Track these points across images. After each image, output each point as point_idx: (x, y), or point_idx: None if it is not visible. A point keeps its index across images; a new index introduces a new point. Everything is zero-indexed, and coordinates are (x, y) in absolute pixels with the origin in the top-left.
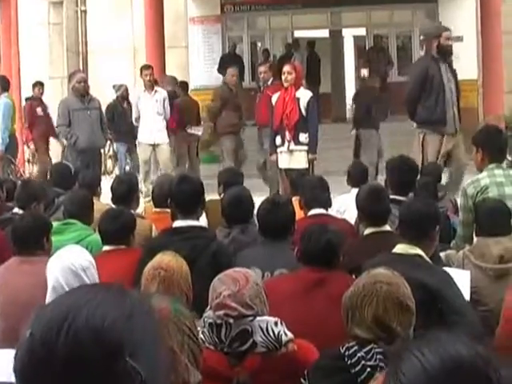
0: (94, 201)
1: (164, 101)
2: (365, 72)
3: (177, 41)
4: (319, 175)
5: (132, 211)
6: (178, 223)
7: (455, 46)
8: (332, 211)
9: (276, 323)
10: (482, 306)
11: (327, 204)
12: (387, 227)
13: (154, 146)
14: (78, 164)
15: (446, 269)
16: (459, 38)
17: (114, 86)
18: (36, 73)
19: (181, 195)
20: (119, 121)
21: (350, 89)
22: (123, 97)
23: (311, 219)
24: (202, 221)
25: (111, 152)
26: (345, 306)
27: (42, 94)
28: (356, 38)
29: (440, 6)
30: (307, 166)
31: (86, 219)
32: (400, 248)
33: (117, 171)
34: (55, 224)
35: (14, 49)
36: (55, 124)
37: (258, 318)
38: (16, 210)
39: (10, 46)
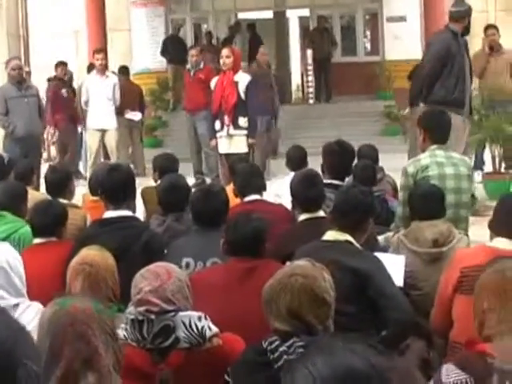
0: (30, 191)
1: (114, 86)
2: (309, 53)
3: (119, 24)
4: (251, 162)
5: (66, 201)
6: (109, 214)
7: (398, 26)
8: (270, 195)
9: (200, 318)
10: (417, 291)
11: (261, 189)
12: (321, 213)
13: (103, 132)
14: (16, 152)
15: (381, 254)
16: (402, 18)
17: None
18: None
19: (110, 185)
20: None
21: (296, 71)
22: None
23: (245, 205)
24: (139, 208)
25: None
26: (264, 299)
27: (65, 74)
28: (301, 19)
29: None
30: (247, 150)
31: (18, 211)
32: (330, 235)
33: None
34: None
35: None
36: None
37: (181, 314)
38: None
39: None
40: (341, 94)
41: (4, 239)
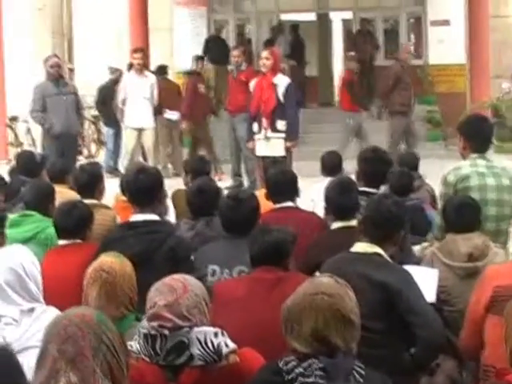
0: (64, 190)
1: (152, 86)
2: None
3: (162, 23)
4: (284, 167)
5: (95, 201)
6: (134, 217)
7: (442, 30)
8: (306, 200)
9: (216, 334)
10: (450, 307)
11: (294, 196)
12: (354, 222)
13: (140, 131)
14: (53, 150)
15: (413, 268)
16: (446, 22)
17: (109, 68)
18: (20, 56)
19: (136, 188)
20: (110, 104)
21: (338, 73)
22: (116, 81)
23: (277, 212)
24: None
25: (95, 135)
26: (283, 317)
27: (201, 69)
28: (344, 22)
29: None
30: (285, 153)
31: (46, 211)
32: (359, 246)
33: (102, 155)
34: (12, 216)
35: None
36: (29, 110)
37: (196, 330)
38: None
39: None
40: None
41: (30, 238)
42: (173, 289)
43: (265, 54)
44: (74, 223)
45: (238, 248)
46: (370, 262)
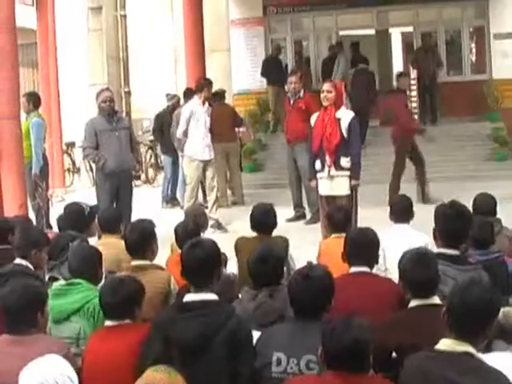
0: (113, 241)
1: (209, 115)
2: (413, 73)
3: (218, 44)
4: (366, 228)
5: (147, 262)
6: (189, 297)
7: (505, 43)
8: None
9: None
10: None
11: (372, 261)
12: (435, 299)
13: (204, 162)
14: (106, 188)
15: (504, 357)
16: (510, 35)
17: (167, 95)
18: (75, 80)
19: (190, 264)
20: (168, 131)
21: None
22: (174, 108)
23: (351, 280)
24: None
25: (152, 160)
26: None
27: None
28: (404, 35)
29: (490, 2)
30: (349, 192)
31: (93, 277)
32: (445, 344)
33: (160, 181)
34: (58, 285)
35: (52, 57)
36: (82, 146)
37: None
38: (18, 260)
39: (47, 53)
40: (445, 115)
41: (77, 310)
42: None
43: (327, 86)
44: (122, 303)
45: (308, 333)
46: (459, 365)
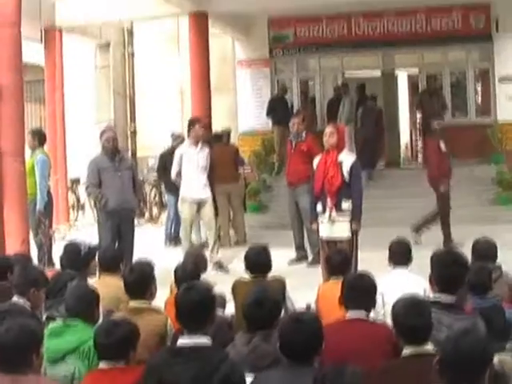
0: (112, 282)
1: (207, 156)
2: (418, 116)
3: (224, 84)
4: (364, 273)
5: (145, 305)
6: (183, 340)
7: (510, 86)
8: None
9: None
10: None
11: (369, 306)
12: (428, 347)
13: (200, 203)
14: (108, 227)
15: None
16: None
17: (172, 135)
18: (82, 117)
19: (183, 307)
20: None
21: (405, 129)
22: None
23: (346, 322)
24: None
25: (157, 198)
26: None
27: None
28: (410, 77)
29: (495, 45)
30: (350, 235)
31: (89, 317)
32: None
33: (164, 219)
34: (54, 325)
35: (59, 93)
36: (85, 184)
37: None
38: (15, 298)
39: (54, 90)
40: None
41: (73, 350)
42: None
43: (329, 129)
44: (116, 344)
45: (300, 379)
46: None
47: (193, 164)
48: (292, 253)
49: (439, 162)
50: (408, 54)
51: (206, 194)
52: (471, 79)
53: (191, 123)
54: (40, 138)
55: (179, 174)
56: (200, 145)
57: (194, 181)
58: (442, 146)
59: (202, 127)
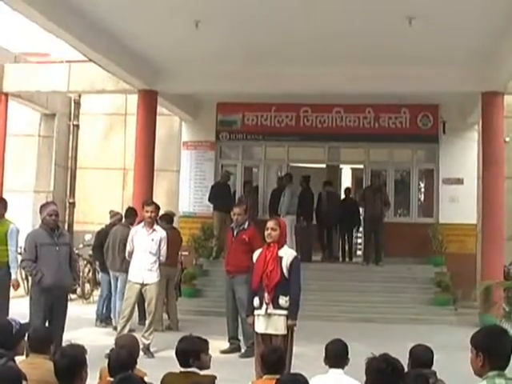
0: (41, 362)
1: (161, 241)
2: (360, 211)
3: (168, 164)
4: (297, 374)
5: None
6: None
7: (453, 189)
8: None
9: None
10: None
11: None
12: None
13: (143, 285)
14: (41, 303)
15: None
16: (460, 181)
17: (110, 212)
18: (21, 186)
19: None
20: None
21: None
22: (113, 225)
23: None
24: None
25: (90, 275)
26: None
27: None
28: (354, 170)
29: (441, 147)
30: (285, 332)
31: None
32: None
33: (95, 297)
34: None
35: None
36: (21, 258)
37: None
38: None
39: None
40: (390, 255)
41: None
42: None
43: (271, 223)
44: None
45: None
46: None
47: (141, 246)
48: (225, 342)
49: None
50: (354, 149)
51: (150, 278)
52: (415, 178)
53: (146, 204)
54: (5, 205)
55: (130, 254)
56: (153, 228)
57: (138, 263)
58: None
59: (156, 208)
